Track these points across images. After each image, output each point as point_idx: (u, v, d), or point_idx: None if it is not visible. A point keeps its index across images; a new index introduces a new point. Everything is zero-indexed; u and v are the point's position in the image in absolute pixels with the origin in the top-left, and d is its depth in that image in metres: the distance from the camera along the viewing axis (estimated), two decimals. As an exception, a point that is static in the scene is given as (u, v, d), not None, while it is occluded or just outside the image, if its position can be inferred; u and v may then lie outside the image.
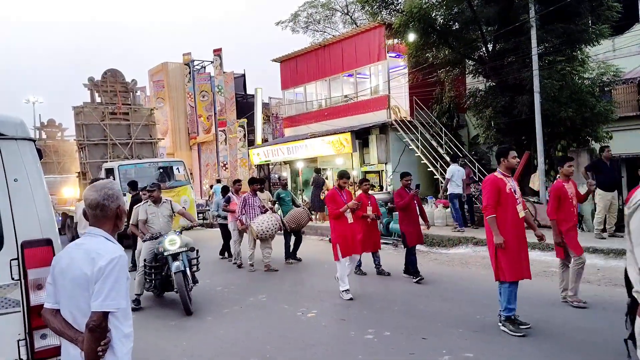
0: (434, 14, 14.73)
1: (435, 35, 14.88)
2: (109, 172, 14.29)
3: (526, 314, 5.63)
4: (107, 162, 15.68)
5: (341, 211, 7.13)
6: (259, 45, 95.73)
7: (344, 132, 17.62)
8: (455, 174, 12.51)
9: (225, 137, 24.98)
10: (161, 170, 15.19)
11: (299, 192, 19.96)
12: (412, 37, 15.05)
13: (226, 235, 11.27)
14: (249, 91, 28.69)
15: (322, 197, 16.50)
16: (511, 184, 5.41)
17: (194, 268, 7.31)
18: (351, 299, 6.99)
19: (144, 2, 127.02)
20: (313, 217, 17.07)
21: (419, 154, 16.63)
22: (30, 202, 2.75)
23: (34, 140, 2.95)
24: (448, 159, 16.33)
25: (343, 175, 7.65)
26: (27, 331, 2.69)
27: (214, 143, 26.35)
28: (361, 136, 17.97)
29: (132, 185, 10.77)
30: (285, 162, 22.34)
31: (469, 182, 13.10)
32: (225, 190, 11.55)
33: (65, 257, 2.33)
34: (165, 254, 6.93)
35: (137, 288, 7.36)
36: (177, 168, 15.52)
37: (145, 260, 7.32)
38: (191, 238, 7.66)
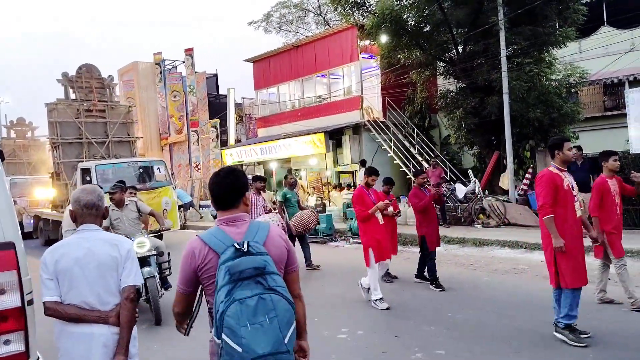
0: (405, 15, 14.89)
1: (407, 36, 15.03)
2: (85, 172, 13.50)
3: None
4: (82, 161, 14.81)
5: (370, 212, 6.52)
6: (231, 46, 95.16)
7: (317, 133, 17.66)
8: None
9: (198, 138, 24.71)
10: (141, 170, 14.50)
11: (271, 192, 19.88)
12: (384, 38, 15.17)
13: None
14: (222, 91, 28.47)
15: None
16: (569, 180, 4.87)
17: (166, 272, 7.02)
18: (388, 308, 6.32)
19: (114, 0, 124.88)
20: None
21: (392, 154, 16.77)
22: (-8, 205, 2.66)
23: (-5, 141, 2.86)
24: (420, 159, 16.52)
25: (372, 172, 6.87)
26: (-11, 337, 2.61)
27: (185, 144, 26.04)
28: (334, 136, 18.04)
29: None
30: (258, 163, 22.25)
31: (441, 181, 13.28)
32: None
33: (76, 250, 2.64)
34: (138, 255, 6.62)
35: None
36: (158, 168, 14.81)
37: None
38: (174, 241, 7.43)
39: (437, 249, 7.66)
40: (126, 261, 2.71)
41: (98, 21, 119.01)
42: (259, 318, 2.02)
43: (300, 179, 19.10)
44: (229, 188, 2.35)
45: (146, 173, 14.48)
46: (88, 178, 12.94)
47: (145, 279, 6.31)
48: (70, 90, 16.43)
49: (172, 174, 18.66)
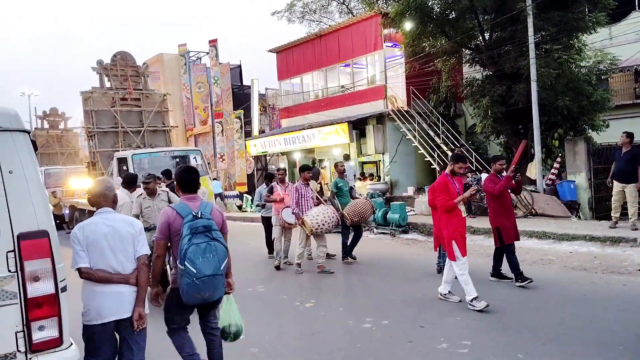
0: (430, 2, 14.67)
1: (432, 24, 14.82)
2: (122, 161, 13.34)
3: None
4: (118, 151, 14.64)
5: (456, 202, 5.94)
6: (255, 36, 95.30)
7: (341, 123, 17.60)
8: (347, 170, 13.72)
9: (222, 129, 24.90)
10: (177, 159, 14.23)
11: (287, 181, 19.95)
12: (408, 26, 15.00)
13: (269, 229, 9.89)
14: (245, 82, 28.58)
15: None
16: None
17: None
18: (487, 306, 5.66)
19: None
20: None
21: (416, 144, 16.64)
22: (26, 194, 2.74)
23: (28, 132, 2.93)
24: (445, 148, 16.35)
25: (459, 158, 6.20)
26: (24, 323, 2.69)
27: (210, 135, 26.29)
28: (358, 126, 17.97)
29: (167, 174, 10.25)
30: (282, 153, 22.33)
31: (466, 171, 13.11)
32: (269, 178, 10.25)
33: (102, 227, 3.32)
34: None
35: None
36: (194, 157, 14.47)
37: None
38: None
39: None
40: (140, 235, 3.45)
41: (98, 21, 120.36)
42: (206, 254, 3.58)
43: (323, 169, 19.10)
44: (192, 180, 3.99)
45: (182, 162, 14.13)
46: (125, 167, 12.79)
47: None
48: (105, 79, 16.26)
49: (208, 164, 18.40)
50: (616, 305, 5.61)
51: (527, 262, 7.99)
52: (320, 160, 20.37)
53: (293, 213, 8.54)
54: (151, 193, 7.21)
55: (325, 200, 8.79)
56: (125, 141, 15.55)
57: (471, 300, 5.75)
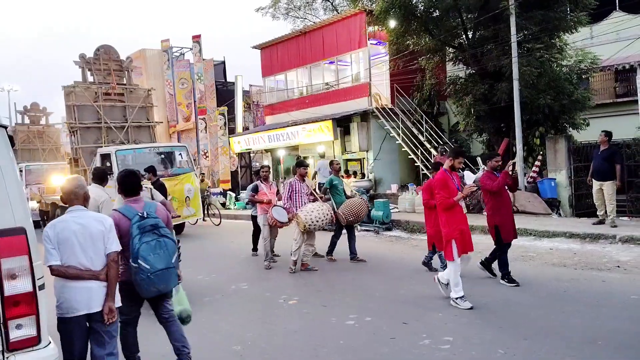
0: (414, 0, 14.71)
1: (416, 22, 14.87)
2: (105, 157, 12.98)
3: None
4: (101, 147, 14.19)
5: (455, 200, 5.78)
6: (238, 32, 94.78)
7: (325, 120, 17.59)
8: (322, 167, 15.04)
9: (206, 125, 24.71)
10: (162, 156, 13.93)
11: (280, 180, 19.91)
12: (392, 24, 15.03)
13: (257, 228, 9.63)
14: (229, 79, 28.39)
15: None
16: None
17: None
18: (471, 307, 5.65)
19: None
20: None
21: (400, 141, 16.70)
22: (3, 191, 2.68)
23: (5, 127, 2.87)
24: (429, 146, 16.44)
25: (459, 153, 6.08)
26: (1, 322, 2.64)
27: (194, 131, 26.06)
28: (342, 124, 17.97)
29: (152, 170, 10.12)
30: (266, 150, 22.25)
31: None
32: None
33: (72, 225, 3.44)
34: None
35: None
36: (180, 154, 14.09)
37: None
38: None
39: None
40: (109, 233, 3.56)
41: (79, 16, 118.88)
42: (157, 251, 3.88)
43: (307, 166, 19.06)
44: (134, 183, 4.29)
45: (168, 159, 13.90)
46: (108, 164, 12.51)
47: None
48: (88, 73, 15.83)
49: (195, 160, 17.89)
50: (595, 301, 5.70)
51: (508, 259, 8.07)
52: (305, 157, 20.34)
53: (285, 208, 8.36)
54: None
55: (322, 197, 8.56)
56: (109, 137, 15.18)
57: (456, 298, 5.75)
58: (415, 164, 16.60)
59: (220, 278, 8.23)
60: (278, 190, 9.69)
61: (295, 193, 8.38)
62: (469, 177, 13.14)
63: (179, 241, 7.33)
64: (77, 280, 3.38)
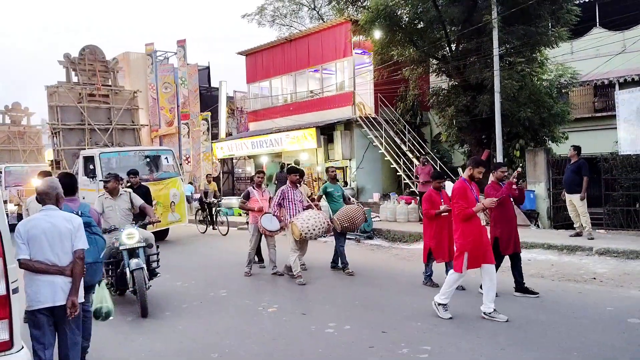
0: (399, 11, 14.85)
1: (401, 33, 15.00)
2: (88, 160, 12.70)
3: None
4: (84, 149, 13.92)
5: (475, 211, 5.53)
6: (224, 38, 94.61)
7: (309, 127, 17.61)
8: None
9: (188, 130, 24.54)
10: (147, 159, 13.54)
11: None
12: (377, 34, 15.14)
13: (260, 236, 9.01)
14: (214, 84, 28.27)
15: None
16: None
17: (153, 265, 6.91)
18: (451, 318, 5.64)
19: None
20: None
21: (383, 150, 16.78)
22: (-23, 191, 2.63)
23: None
24: (411, 155, 16.55)
25: (479, 163, 5.84)
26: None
27: (176, 136, 25.86)
28: (326, 132, 18.00)
29: (134, 173, 10.05)
30: (249, 157, 22.17)
31: (430, 180, 13.28)
32: (281, 180, 9.61)
33: (43, 223, 3.70)
34: (121, 248, 6.40)
35: None
36: (166, 158, 13.75)
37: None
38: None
39: (419, 245, 7.12)
40: (77, 231, 3.83)
41: (61, 18, 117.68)
42: (88, 246, 3.99)
43: (300, 172, 19.02)
44: (70, 183, 4.75)
45: (153, 163, 13.58)
46: (92, 167, 12.28)
47: (132, 271, 6.26)
48: (72, 73, 15.51)
49: (180, 165, 17.46)
50: (572, 312, 5.78)
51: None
52: (288, 164, 20.32)
53: (275, 216, 8.05)
54: (111, 193, 7.02)
55: (317, 205, 8.31)
56: (92, 139, 14.89)
57: (439, 304, 5.72)
58: (398, 174, 16.68)
59: (199, 284, 8.15)
60: (271, 198, 9.25)
61: (288, 201, 8.04)
62: (449, 188, 13.23)
63: (158, 247, 7.29)
64: (43, 274, 3.63)
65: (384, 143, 16.82)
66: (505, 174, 6.76)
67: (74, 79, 15.49)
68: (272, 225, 8.08)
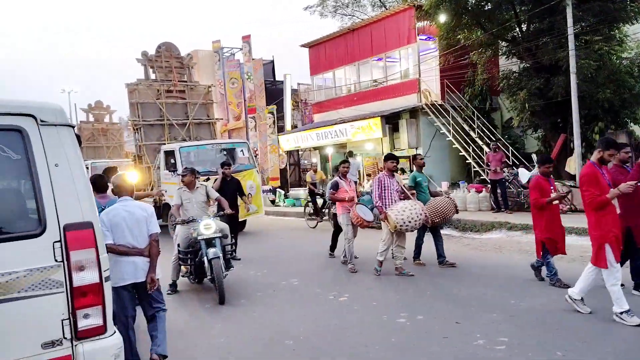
0: (465, -6, 14.41)
1: (467, 16, 14.58)
2: (169, 154, 13.02)
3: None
4: (164, 144, 14.31)
5: (609, 197, 5.01)
6: (288, 31, 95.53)
7: (373, 117, 17.50)
8: (350, 167, 15.01)
9: (255, 124, 25.07)
10: (224, 152, 13.68)
11: (329, 177, 19.94)
12: (443, 18, 14.78)
13: (338, 228, 8.93)
14: (278, 77, 28.69)
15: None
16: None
17: (228, 255, 7.14)
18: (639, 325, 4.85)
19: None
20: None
21: (451, 138, 16.41)
22: (71, 187, 2.81)
23: (72, 127, 3.02)
24: (480, 142, 16.08)
25: (611, 144, 5.23)
26: (70, 311, 2.78)
27: (244, 130, 26.49)
28: (391, 121, 17.82)
29: (227, 164, 9.94)
30: (314, 148, 22.36)
31: (502, 166, 12.87)
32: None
33: (122, 212, 4.31)
34: (199, 238, 6.71)
35: (172, 274, 7.28)
36: (242, 150, 13.85)
37: (179, 245, 7.13)
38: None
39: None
40: (151, 218, 4.39)
41: (131, 17, 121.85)
42: None
43: (398, 159, 18.95)
44: (103, 184, 5.50)
45: (229, 155, 13.66)
46: (172, 161, 12.61)
47: (210, 259, 6.53)
48: (150, 70, 15.73)
49: (256, 157, 17.58)
50: None
51: (566, 260, 7.80)
52: (355, 155, 20.30)
53: (376, 206, 7.61)
54: (188, 186, 7.33)
55: (413, 194, 7.80)
56: (171, 134, 15.11)
57: (620, 313, 4.95)
58: (467, 161, 16.26)
59: (270, 273, 8.35)
60: (356, 188, 8.93)
61: (385, 190, 7.54)
62: (524, 175, 12.78)
63: (234, 237, 7.53)
64: (126, 255, 4.23)
65: (451, 130, 16.44)
66: (630, 154, 6.03)
67: (152, 76, 15.87)
68: (367, 215, 7.88)
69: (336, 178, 8.47)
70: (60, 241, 2.74)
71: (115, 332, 2.98)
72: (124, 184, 4.54)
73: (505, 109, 18.13)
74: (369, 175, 19.13)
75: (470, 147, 15.96)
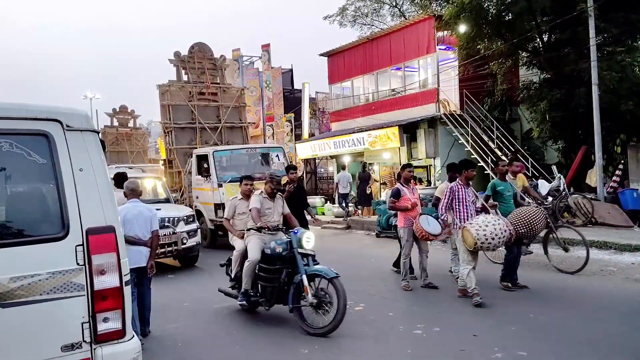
0: (486, 4, 14.39)
1: (488, 26, 14.53)
2: (202, 159, 12.52)
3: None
4: (195, 148, 13.78)
5: None
6: (306, 40, 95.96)
7: (391, 126, 17.46)
8: (341, 179, 16.53)
9: (273, 132, 25.20)
10: (259, 157, 13.22)
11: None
12: (463, 28, 14.74)
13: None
14: (297, 86, 28.82)
15: (368, 192, 16.44)
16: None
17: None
18: None
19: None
20: (359, 211, 17.04)
21: (469, 148, 16.28)
22: (95, 191, 2.85)
23: (97, 132, 3.06)
24: (499, 153, 15.92)
25: None
26: (90, 314, 2.80)
27: (262, 137, 26.64)
28: (409, 130, 17.75)
29: (293, 167, 8.77)
30: (331, 157, 22.36)
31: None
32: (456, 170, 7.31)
33: (133, 210, 5.41)
34: (300, 251, 5.58)
35: (245, 282, 6.04)
36: (277, 155, 13.28)
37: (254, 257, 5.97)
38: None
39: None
40: (154, 217, 5.57)
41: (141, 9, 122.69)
42: None
43: (373, 172, 18.97)
44: (138, 188, 5.75)
45: (264, 160, 13.18)
46: (205, 165, 12.23)
47: (330, 278, 5.43)
48: (182, 72, 15.18)
49: (291, 162, 17.55)
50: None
51: (586, 273, 7.68)
52: (370, 164, 20.28)
53: (442, 219, 6.81)
54: (271, 195, 6.34)
55: (494, 206, 6.96)
56: (202, 138, 14.40)
57: None
58: (485, 172, 16.11)
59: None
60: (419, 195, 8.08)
61: (458, 202, 6.60)
62: (544, 187, 12.61)
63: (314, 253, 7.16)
64: (134, 245, 5.21)
65: (470, 140, 16.31)
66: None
67: (184, 77, 15.32)
68: (432, 227, 6.99)
69: (397, 185, 7.67)
70: (82, 245, 2.77)
71: (133, 336, 3.00)
72: (134, 187, 5.66)
73: (525, 119, 17.95)
74: (384, 184, 19.05)
75: (489, 158, 15.82)
